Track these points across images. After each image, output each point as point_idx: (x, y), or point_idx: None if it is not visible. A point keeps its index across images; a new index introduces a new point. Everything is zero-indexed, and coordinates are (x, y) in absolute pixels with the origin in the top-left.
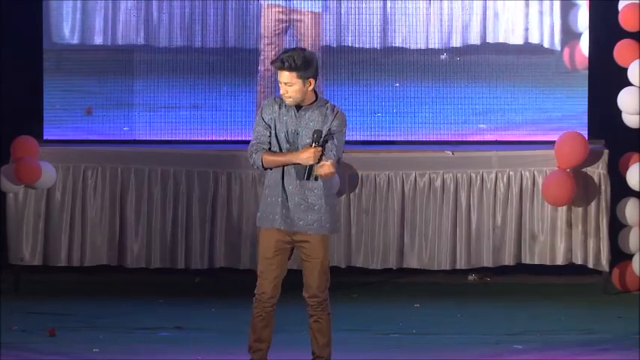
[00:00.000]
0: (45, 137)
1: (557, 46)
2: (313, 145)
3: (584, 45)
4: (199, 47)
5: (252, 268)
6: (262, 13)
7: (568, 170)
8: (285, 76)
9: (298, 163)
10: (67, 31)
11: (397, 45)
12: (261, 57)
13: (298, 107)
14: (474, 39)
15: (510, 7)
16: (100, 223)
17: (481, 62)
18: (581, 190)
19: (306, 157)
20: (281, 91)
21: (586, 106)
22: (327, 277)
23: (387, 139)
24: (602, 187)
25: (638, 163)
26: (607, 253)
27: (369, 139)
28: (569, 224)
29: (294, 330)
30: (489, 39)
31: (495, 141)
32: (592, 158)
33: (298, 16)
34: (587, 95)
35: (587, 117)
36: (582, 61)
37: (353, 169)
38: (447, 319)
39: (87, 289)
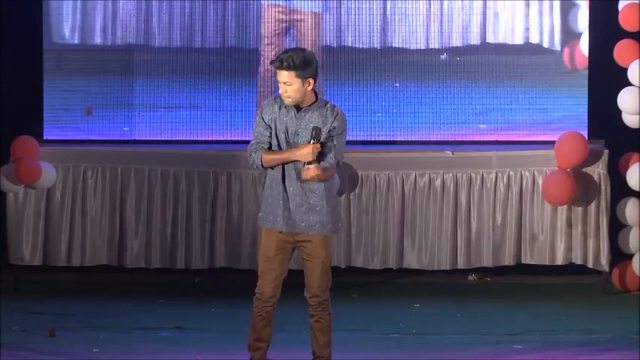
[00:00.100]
0: (45, 137)
1: (557, 46)
2: (312, 141)
3: (584, 45)
4: (199, 47)
5: (252, 268)
6: (263, 14)
7: (568, 170)
8: (284, 75)
9: (297, 160)
10: (67, 31)
11: (397, 45)
12: (262, 57)
13: (298, 108)
14: (474, 39)
15: (510, 7)
16: (100, 223)
17: (481, 62)
18: (581, 190)
19: (305, 153)
20: (280, 91)
21: (586, 106)
22: (328, 277)
23: (387, 139)
24: (602, 187)
25: (638, 163)
26: (607, 253)
27: (369, 139)
28: (569, 224)
29: (294, 330)
30: (489, 39)
31: (495, 141)
32: (592, 158)
33: (299, 17)
34: (587, 95)
35: (587, 117)
36: (582, 61)
37: (353, 169)
38: (447, 319)
39: (87, 289)
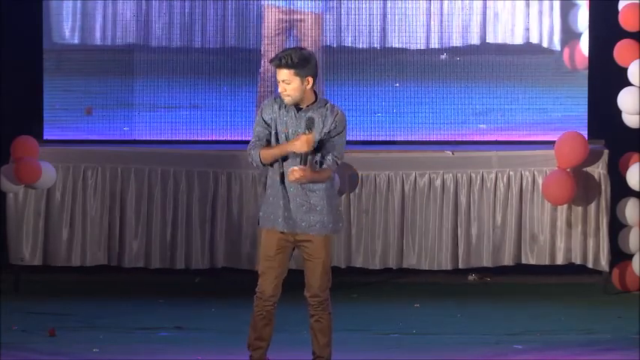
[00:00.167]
0: (45, 137)
1: (557, 46)
2: (305, 132)
3: (584, 45)
4: (199, 47)
5: (252, 268)
6: (263, 14)
7: (568, 170)
8: (283, 73)
9: (293, 153)
10: (67, 31)
11: (397, 45)
12: (262, 57)
13: (298, 108)
14: (474, 39)
15: (510, 7)
16: (100, 223)
17: (481, 62)
18: (581, 190)
19: (299, 144)
20: (279, 90)
21: (586, 106)
22: (328, 277)
23: (387, 139)
24: (602, 187)
25: (638, 163)
26: (607, 253)
27: (369, 139)
28: (569, 224)
29: (294, 330)
30: (489, 39)
31: (495, 141)
32: (592, 158)
33: (299, 17)
34: (587, 95)
35: (587, 117)
36: (582, 61)
37: (353, 169)
38: (447, 319)
39: (87, 289)
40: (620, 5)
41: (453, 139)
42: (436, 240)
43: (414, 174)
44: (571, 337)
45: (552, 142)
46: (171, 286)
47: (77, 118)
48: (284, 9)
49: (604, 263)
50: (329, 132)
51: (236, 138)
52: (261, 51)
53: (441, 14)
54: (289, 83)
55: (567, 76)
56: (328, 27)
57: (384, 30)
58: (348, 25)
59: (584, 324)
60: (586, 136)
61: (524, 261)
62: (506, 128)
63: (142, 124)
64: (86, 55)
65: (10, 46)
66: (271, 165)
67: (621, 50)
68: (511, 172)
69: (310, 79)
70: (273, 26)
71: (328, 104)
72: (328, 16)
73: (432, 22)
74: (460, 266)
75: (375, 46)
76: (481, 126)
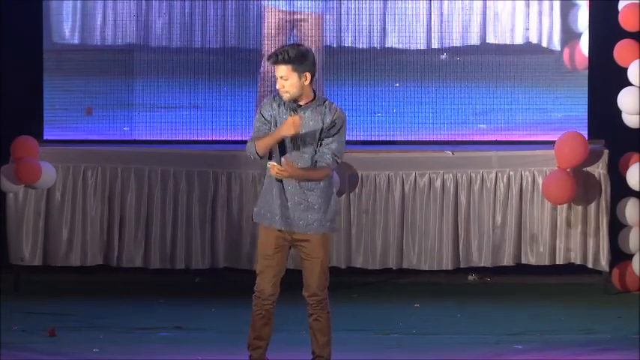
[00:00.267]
0: (45, 137)
1: (557, 46)
2: (291, 114)
3: (584, 45)
4: (199, 47)
5: (252, 268)
6: (264, 14)
7: (568, 170)
8: (280, 69)
9: (292, 147)
10: (67, 31)
11: (397, 45)
12: (262, 57)
13: (298, 106)
14: (474, 39)
15: (510, 7)
16: (100, 223)
17: (481, 62)
18: (581, 190)
19: (286, 127)
20: (277, 86)
21: (586, 106)
22: (326, 277)
23: (387, 139)
24: (602, 187)
25: (638, 163)
26: (607, 253)
27: (369, 139)
28: (569, 224)
29: (293, 330)
30: (489, 39)
31: (495, 141)
32: (592, 158)
33: (299, 17)
34: (587, 95)
35: (587, 117)
36: (582, 61)
37: (353, 169)
38: (447, 319)
39: (87, 289)
40: (620, 5)
41: (453, 139)
42: (436, 240)
43: (414, 174)
44: (571, 337)
45: (552, 142)
46: (171, 286)
47: (77, 118)
48: (284, 9)
49: (604, 263)
50: (328, 130)
51: (236, 138)
52: (261, 51)
53: (441, 14)
54: (287, 79)
55: (567, 76)
56: (328, 27)
57: (384, 30)
58: (348, 25)
59: (584, 324)
60: (586, 136)
61: (524, 261)
62: (506, 128)
63: (142, 124)
64: (86, 55)
65: (10, 46)
66: (270, 157)
67: (621, 50)
68: (511, 172)
69: (308, 75)
70: (274, 26)
71: (327, 102)
72: (328, 16)
73: (432, 22)
74: (460, 266)
75: (375, 46)
76: (481, 126)
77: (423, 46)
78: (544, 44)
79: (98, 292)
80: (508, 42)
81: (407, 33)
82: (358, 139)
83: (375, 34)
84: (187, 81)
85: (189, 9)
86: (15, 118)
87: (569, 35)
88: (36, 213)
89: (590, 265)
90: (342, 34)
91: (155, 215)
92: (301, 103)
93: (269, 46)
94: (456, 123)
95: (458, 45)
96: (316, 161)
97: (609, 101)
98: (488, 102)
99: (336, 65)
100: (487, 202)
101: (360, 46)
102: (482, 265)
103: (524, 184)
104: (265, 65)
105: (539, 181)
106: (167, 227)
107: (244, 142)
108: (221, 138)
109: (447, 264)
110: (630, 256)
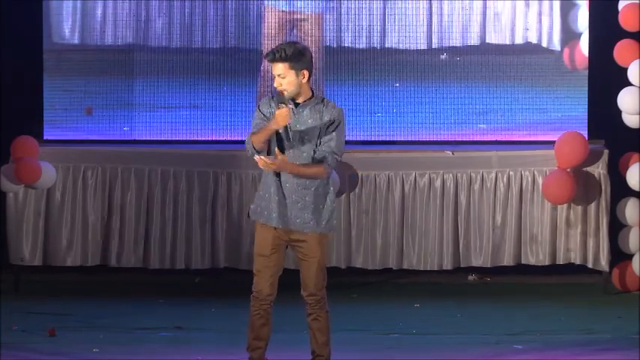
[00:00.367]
0: (45, 137)
1: (557, 46)
2: (280, 106)
3: (584, 45)
4: (199, 47)
5: (252, 268)
6: (264, 14)
7: (568, 170)
8: (278, 67)
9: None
10: (67, 31)
11: (397, 45)
12: (263, 58)
13: (296, 104)
14: (474, 39)
15: (510, 7)
16: (99, 223)
17: (481, 62)
18: (581, 190)
19: (277, 120)
20: (275, 84)
21: (586, 106)
22: (324, 276)
23: (387, 139)
24: (602, 187)
25: (638, 163)
26: (607, 253)
27: (369, 139)
28: (569, 224)
29: (293, 330)
30: (489, 39)
31: (495, 141)
32: (592, 158)
33: (299, 17)
34: (587, 95)
35: (587, 117)
36: (582, 61)
37: (353, 169)
38: (447, 319)
39: (87, 289)
40: (620, 5)
41: (453, 139)
42: (436, 240)
43: (414, 174)
44: (571, 337)
45: (552, 142)
46: (171, 286)
47: (77, 118)
48: (284, 9)
49: (604, 263)
50: (327, 128)
51: (236, 138)
52: (261, 51)
53: (441, 14)
54: (284, 77)
55: (567, 76)
56: (328, 27)
57: (383, 30)
58: (348, 25)
59: (584, 324)
60: (586, 136)
61: (524, 261)
62: (506, 128)
63: (142, 124)
64: (86, 55)
65: (10, 46)
66: (268, 153)
67: (621, 50)
68: (511, 172)
69: (306, 73)
70: (274, 26)
71: (325, 100)
72: (328, 16)
73: (432, 22)
74: (460, 266)
75: (375, 46)
76: (481, 126)
77: (423, 46)
78: (544, 44)
79: (98, 292)
80: (508, 42)
81: (407, 33)
82: (358, 139)
83: (375, 34)
84: (187, 81)
85: (189, 9)
86: (15, 118)
87: (569, 35)
88: (36, 213)
89: (590, 265)
90: (342, 34)
91: (155, 215)
92: (299, 100)
93: (269, 46)
94: (456, 123)
95: (458, 45)
96: (315, 159)
97: (609, 101)
98: (488, 102)
99: (336, 65)
100: (487, 202)
101: (360, 46)
102: (482, 265)
103: (524, 184)
104: (265, 65)
105: (539, 181)
106: (167, 227)
107: (244, 142)
108: (221, 138)
109: (447, 264)
110: (630, 256)
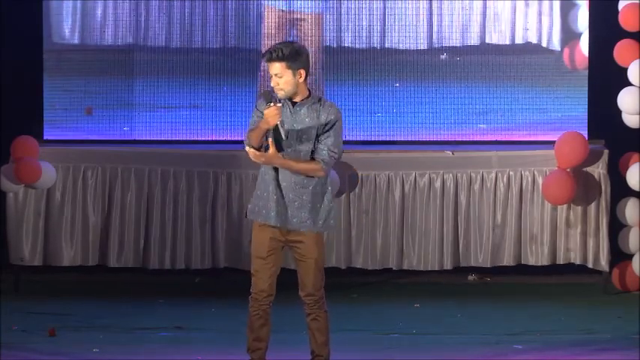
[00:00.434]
0: (45, 137)
1: (557, 46)
2: (269, 105)
3: (584, 45)
4: (199, 47)
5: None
6: (264, 14)
7: (568, 170)
8: (274, 67)
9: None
10: (67, 31)
11: (397, 45)
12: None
13: (293, 104)
14: (474, 39)
15: (510, 7)
16: (100, 223)
17: (481, 62)
18: (581, 190)
19: (268, 118)
20: (272, 84)
21: (586, 106)
22: (322, 276)
23: (387, 139)
24: (602, 187)
25: (638, 163)
26: (607, 253)
27: (369, 139)
28: (569, 224)
29: (292, 330)
30: (489, 39)
31: (495, 141)
32: (592, 158)
33: (299, 17)
34: (587, 95)
35: (587, 117)
36: (582, 61)
37: (353, 169)
38: (447, 319)
39: (87, 289)
40: (620, 5)
41: (453, 139)
42: (436, 240)
43: (414, 174)
44: (571, 337)
45: (552, 142)
46: (171, 286)
47: (77, 118)
48: (284, 9)
49: (604, 263)
50: (324, 126)
51: (236, 138)
52: (261, 51)
53: (441, 14)
54: (281, 76)
55: (567, 76)
56: (328, 27)
57: (383, 30)
58: (347, 25)
59: (584, 324)
60: (586, 136)
61: (524, 261)
62: (506, 128)
63: (142, 124)
64: (86, 55)
65: (10, 46)
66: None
67: (621, 50)
68: (511, 172)
69: (303, 72)
70: (273, 26)
71: (322, 99)
72: (328, 16)
73: (432, 22)
74: (460, 266)
75: (375, 46)
76: (481, 126)
77: (423, 46)
78: (544, 44)
79: (98, 292)
80: (508, 42)
81: (407, 33)
82: (358, 139)
83: (375, 34)
84: (187, 81)
85: (189, 9)
86: (15, 118)
87: (569, 35)
88: (36, 213)
89: (590, 265)
90: (342, 34)
91: (155, 215)
92: (296, 100)
93: (269, 46)
94: (456, 123)
95: (458, 45)
96: (313, 159)
97: (609, 101)
98: (488, 102)
99: (336, 65)
100: (487, 202)
101: (360, 46)
102: (482, 265)
103: (524, 184)
104: (265, 65)
105: (539, 181)
106: (167, 227)
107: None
108: (221, 138)
109: (447, 264)
110: (630, 256)
